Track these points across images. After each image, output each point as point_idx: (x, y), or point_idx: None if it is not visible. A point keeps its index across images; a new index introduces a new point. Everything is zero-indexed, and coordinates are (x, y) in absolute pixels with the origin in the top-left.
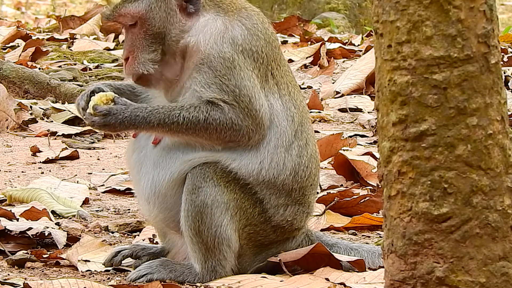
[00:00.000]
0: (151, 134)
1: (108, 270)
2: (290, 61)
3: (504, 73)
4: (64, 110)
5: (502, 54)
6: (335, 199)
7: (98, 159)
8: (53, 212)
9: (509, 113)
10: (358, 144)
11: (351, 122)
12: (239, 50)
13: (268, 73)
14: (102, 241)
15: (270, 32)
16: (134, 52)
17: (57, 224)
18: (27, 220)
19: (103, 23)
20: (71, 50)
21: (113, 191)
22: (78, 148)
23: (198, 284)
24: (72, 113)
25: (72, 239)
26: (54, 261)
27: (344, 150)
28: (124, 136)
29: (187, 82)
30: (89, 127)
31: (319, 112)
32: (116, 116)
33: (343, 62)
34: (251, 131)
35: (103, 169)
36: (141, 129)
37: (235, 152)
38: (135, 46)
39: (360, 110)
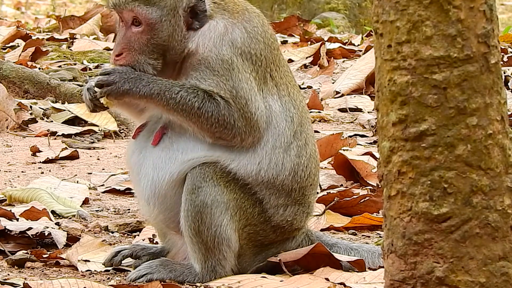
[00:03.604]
0: (147, 106)
1: (108, 270)
2: (290, 61)
3: (504, 73)
4: (64, 110)
5: (502, 54)
6: (335, 199)
7: (98, 159)
8: (53, 212)
9: (509, 113)
10: (358, 144)
11: (351, 122)
12: (238, 53)
13: (267, 75)
14: (102, 241)
15: (269, 34)
16: (131, 51)
17: (57, 224)
18: (27, 220)
19: (106, 10)
20: (71, 50)
21: (113, 191)
22: (78, 148)
23: (198, 284)
24: (72, 113)
25: (72, 239)
26: (54, 261)
27: (344, 150)
28: (124, 136)
29: (184, 80)
30: (89, 127)
31: (319, 112)
32: (121, 75)
33: (343, 62)
34: (243, 133)
35: (103, 169)
36: (142, 96)
37: (233, 153)
38: (133, 47)
39: (360, 110)
